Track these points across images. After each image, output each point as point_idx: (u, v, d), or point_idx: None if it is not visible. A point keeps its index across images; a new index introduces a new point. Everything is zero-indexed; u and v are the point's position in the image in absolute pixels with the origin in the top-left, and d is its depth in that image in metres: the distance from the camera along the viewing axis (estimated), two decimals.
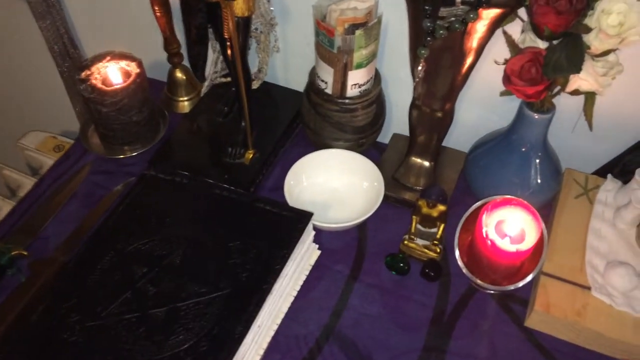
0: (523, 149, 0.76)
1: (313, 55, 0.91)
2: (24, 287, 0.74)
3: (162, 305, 0.66)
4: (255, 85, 0.94)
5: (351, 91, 0.80)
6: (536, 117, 0.72)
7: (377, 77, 0.82)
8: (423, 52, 0.66)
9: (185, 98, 0.99)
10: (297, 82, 0.97)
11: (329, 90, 0.80)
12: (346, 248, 0.80)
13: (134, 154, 0.90)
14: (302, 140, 0.93)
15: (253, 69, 0.93)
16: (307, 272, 0.75)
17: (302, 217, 0.73)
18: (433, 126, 0.78)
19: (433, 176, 0.83)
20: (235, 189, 0.77)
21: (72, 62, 1.13)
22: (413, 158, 0.84)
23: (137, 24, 1.03)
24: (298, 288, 0.74)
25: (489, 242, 0.66)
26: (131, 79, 0.84)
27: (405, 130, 0.90)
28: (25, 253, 0.78)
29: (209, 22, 0.80)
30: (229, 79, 0.94)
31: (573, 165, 0.84)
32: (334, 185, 0.84)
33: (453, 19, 0.63)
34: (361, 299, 0.74)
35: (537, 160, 0.76)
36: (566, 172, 0.81)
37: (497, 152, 0.79)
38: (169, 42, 0.93)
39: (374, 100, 0.82)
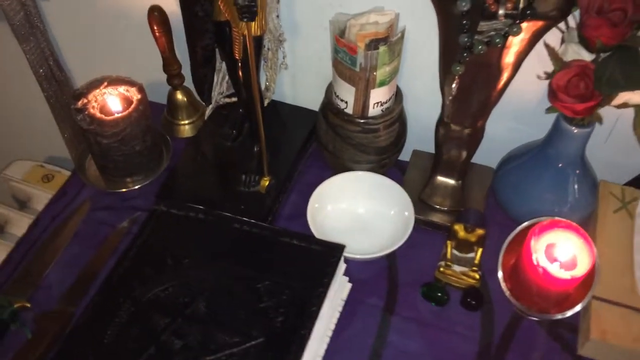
0: (560, 165, 0.71)
1: (325, 71, 0.86)
2: (31, 344, 0.67)
3: None
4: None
5: (373, 110, 0.74)
6: (575, 131, 0.68)
7: (398, 94, 0.77)
8: (458, 68, 0.61)
9: (187, 121, 0.93)
10: (307, 100, 0.91)
11: (349, 110, 0.75)
12: (376, 278, 0.74)
13: (137, 186, 0.83)
14: (316, 162, 0.88)
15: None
16: (340, 309, 0.70)
17: (334, 250, 0.67)
18: (462, 144, 0.74)
19: (461, 195, 0.79)
20: (256, 223, 0.71)
21: (59, 85, 1.05)
22: (439, 177, 0.79)
23: (129, 45, 0.97)
24: (333, 327, 0.68)
25: (540, 269, 0.62)
26: (133, 106, 0.78)
27: (424, 146, 0.85)
28: (29, 305, 0.71)
29: (216, 42, 0.74)
30: (234, 99, 0.88)
31: (604, 176, 0.80)
32: (359, 210, 0.78)
33: (493, 33, 0.58)
34: (400, 335, 0.69)
35: (575, 175, 0.72)
36: (601, 184, 0.77)
37: (530, 167, 0.74)
38: (169, 63, 0.86)
39: (397, 118, 0.77)
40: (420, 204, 0.79)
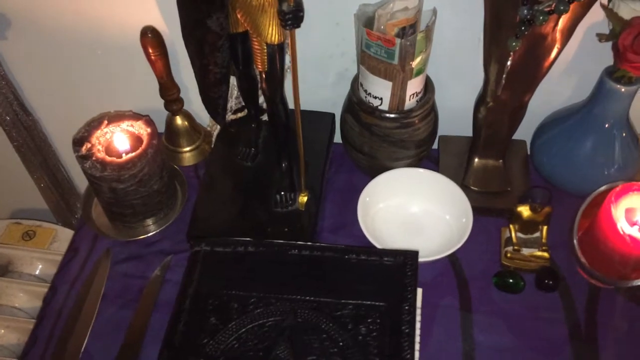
0: (606, 125, 0.70)
1: (337, 69, 0.80)
2: None
3: None
4: None
5: (409, 102, 0.70)
6: (623, 90, 0.66)
7: (428, 82, 0.73)
8: (514, 44, 0.58)
9: (189, 148, 0.85)
10: (316, 102, 0.85)
11: (384, 107, 0.70)
12: (442, 277, 0.70)
13: (159, 229, 0.75)
14: (342, 167, 0.82)
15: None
16: (419, 317, 0.66)
17: (408, 259, 0.63)
18: (504, 122, 0.71)
19: (505, 175, 0.76)
20: (316, 245, 0.65)
21: (28, 132, 0.94)
22: (478, 160, 0.76)
23: (103, 75, 0.87)
24: (419, 339, 0.64)
25: (627, 237, 0.60)
26: (145, 141, 0.70)
27: (448, 131, 0.82)
28: None
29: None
30: (239, 114, 0.81)
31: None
32: (412, 210, 0.74)
33: (553, 2, 0.54)
34: (486, 332, 0.66)
35: (621, 135, 0.70)
36: None
37: (573, 132, 0.72)
38: (167, 88, 0.78)
39: (432, 107, 0.73)
40: (465, 189, 0.75)
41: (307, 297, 0.61)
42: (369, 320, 0.59)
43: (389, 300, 0.60)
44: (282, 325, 0.59)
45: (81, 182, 1.09)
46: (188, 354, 0.58)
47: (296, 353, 0.57)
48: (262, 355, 0.58)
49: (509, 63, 0.60)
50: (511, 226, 0.69)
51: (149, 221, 0.75)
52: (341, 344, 0.58)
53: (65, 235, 1.04)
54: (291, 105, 0.83)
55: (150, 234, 0.75)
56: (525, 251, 0.68)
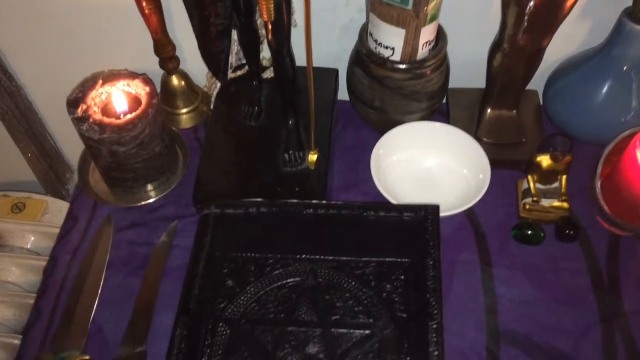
0: (624, 68, 0.67)
1: (340, 22, 0.77)
2: None
3: None
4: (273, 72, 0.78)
5: (422, 52, 0.67)
6: None
7: (440, 31, 0.70)
8: None
9: (185, 110, 0.81)
10: (318, 58, 0.81)
11: (396, 57, 0.67)
12: (459, 233, 0.69)
13: (161, 194, 0.71)
14: (348, 125, 0.79)
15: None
16: None
17: (429, 214, 0.61)
18: (520, 70, 0.68)
19: (519, 126, 0.74)
20: (332, 203, 0.63)
21: (12, 99, 0.89)
22: (492, 111, 0.74)
23: (96, 32, 0.82)
24: None
25: None
26: (145, 101, 0.66)
27: (456, 83, 0.79)
28: (88, 358, 0.59)
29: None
30: (240, 72, 0.77)
31: None
32: (426, 164, 0.72)
33: None
34: (508, 286, 0.64)
35: (638, 78, 0.68)
36: None
37: (588, 78, 0.70)
38: (162, 45, 0.73)
39: (444, 57, 0.69)
40: (479, 142, 0.73)
41: (327, 257, 0.59)
42: (392, 278, 0.57)
43: (412, 256, 0.58)
44: (303, 286, 0.57)
45: (70, 152, 1.05)
46: (206, 319, 0.56)
47: (320, 313, 0.55)
48: (284, 317, 0.55)
49: (531, 4, 0.57)
50: (529, 177, 0.67)
51: (151, 186, 0.72)
52: (366, 302, 0.56)
53: (57, 206, 1.00)
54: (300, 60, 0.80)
55: (153, 199, 0.71)
56: (545, 202, 0.67)
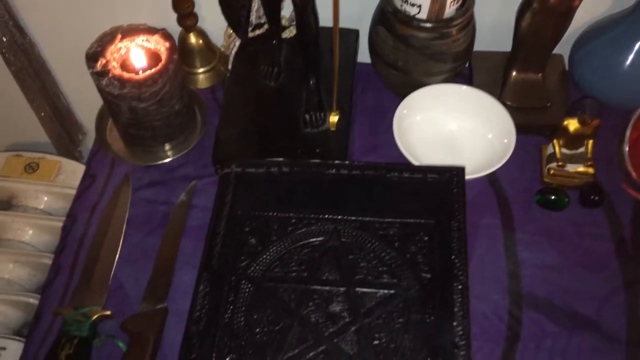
0: None
1: None
2: (131, 356, 0.56)
3: (343, 331, 0.52)
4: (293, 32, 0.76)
5: (449, 10, 0.65)
6: None
7: None
8: None
9: (202, 69, 0.79)
10: (340, 18, 0.79)
11: (422, 15, 0.65)
12: (482, 197, 0.68)
13: (179, 153, 0.70)
14: (367, 87, 0.78)
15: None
16: None
17: (454, 175, 0.60)
18: (549, 30, 0.66)
19: (545, 90, 0.72)
20: (355, 163, 0.62)
21: (26, 56, 0.88)
22: (517, 74, 0.72)
23: None
24: None
25: None
26: (165, 57, 0.64)
27: (480, 47, 0.77)
28: (109, 313, 0.59)
29: None
30: (259, 31, 0.76)
31: None
32: (450, 127, 0.70)
33: None
34: (530, 251, 0.64)
35: None
36: None
37: (617, 42, 0.68)
38: (181, 0, 0.72)
39: (471, 17, 0.68)
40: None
41: (350, 217, 0.58)
42: (416, 238, 0.56)
43: (436, 218, 0.57)
44: (326, 245, 0.57)
45: (83, 113, 1.03)
46: (229, 276, 0.55)
47: (343, 273, 0.55)
48: (306, 276, 0.55)
49: None
50: (555, 141, 0.66)
51: (169, 145, 0.71)
52: (389, 262, 0.55)
53: (71, 167, 0.99)
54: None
55: (171, 159, 0.70)
56: (569, 167, 0.66)
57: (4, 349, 0.80)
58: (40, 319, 0.61)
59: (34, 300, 0.86)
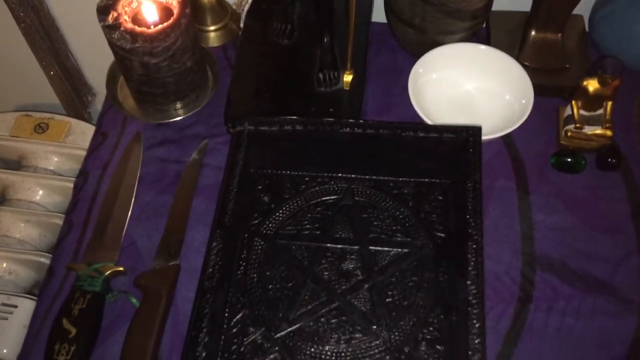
0: None
1: None
2: (144, 312, 0.56)
3: (356, 289, 0.52)
4: None
5: None
6: None
7: None
8: None
9: (214, 27, 0.78)
10: None
11: None
12: (497, 159, 0.67)
13: (191, 112, 0.70)
14: (382, 47, 0.76)
15: None
16: None
17: (471, 135, 0.59)
18: None
19: (564, 50, 0.71)
20: (369, 122, 0.61)
21: (35, 13, 0.86)
22: (536, 33, 0.70)
23: None
24: None
25: None
26: (178, 10, 0.63)
27: (497, 6, 0.75)
28: (122, 269, 0.59)
29: None
30: None
31: None
32: (467, 87, 0.69)
33: None
34: (545, 213, 0.63)
35: None
36: None
37: (637, 4, 0.66)
38: None
39: None
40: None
41: (364, 176, 0.58)
42: (431, 198, 0.56)
43: (451, 178, 0.57)
44: (340, 204, 0.56)
45: (92, 74, 1.02)
46: (241, 233, 0.55)
47: (356, 231, 0.54)
48: (319, 234, 0.55)
49: None
50: (573, 102, 0.65)
51: (180, 104, 0.70)
52: (403, 221, 0.55)
53: (80, 128, 0.98)
54: None
55: (182, 117, 0.70)
56: (587, 129, 0.65)
57: (16, 306, 0.80)
58: (52, 274, 0.61)
59: (45, 260, 0.86)
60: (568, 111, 0.66)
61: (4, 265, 0.86)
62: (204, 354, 0.49)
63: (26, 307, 0.80)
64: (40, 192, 0.95)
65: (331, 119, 0.61)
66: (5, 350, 0.76)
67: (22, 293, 0.85)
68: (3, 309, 0.78)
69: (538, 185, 0.65)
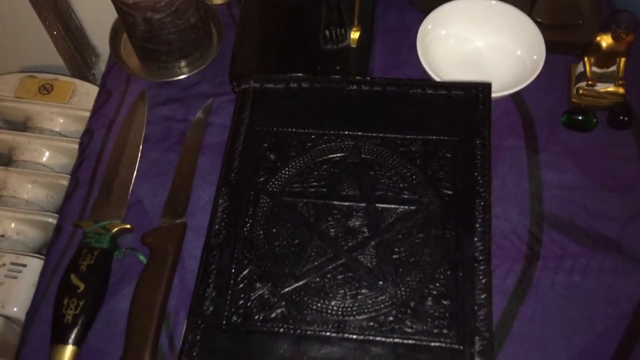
0: None
1: None
2: (152, 268, 0.56)
3: (362, 246, 0.52)
4: None
5: None
6: None
7: None
8: None
9: None
10: None
11: None
12: (506, 117, 0.66)
13: (195, 70, 0.69)
14: (390, 5, 0.74)
15: None
16: None
17: (480, 91, 0.58)
18: None
19: (577, 5, 0.69)
20: (377, 79, 0.60)
21: None
22: None
23: None
24: None
25: None
26: None
27: None
28: (129, 226, 0.59)
29: None
30: None
31: None
32: (477, 44, 0.68)
33: None
34: (554, 172, 0.62)
35: None
36: None
37: None
38: None
39: None
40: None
41: (371, 134, 0.57)
42: (438, 155, 0.55)
43: (459, 135, 0.56)
44: (346, 161, 0.56)
45: (95, 34, 1.01)
46: (247, 191, 0.55)
47: (363, 189, 0.54)
48: (326, 191, 0.54)
49: None
50: (586, 59, 0.63)
51: (184, 62, 0.69)
52: (410, 178, 0.54)
53: (85, 89, 0.98)
54: None
55: (186, 75, 0.69)
56: (599, 87, 0.63)
57: (25, 266, 0.81)
58: (60, 232, 0.62)
59: (52, 220, 0.87)
60: (580, 68, 0.64)
61: (12, 225, 0.86)
62: (211, 309, 0.49)
63: (35, 266, 0.81)
64: (47, 154, 0.95)
65: (337, 77, 0.60)
66: (15, 309, 0.77)
67: (30, 253, 0.85)
68: (12, 268, 0.79)
69: (548, 143, 0.64)
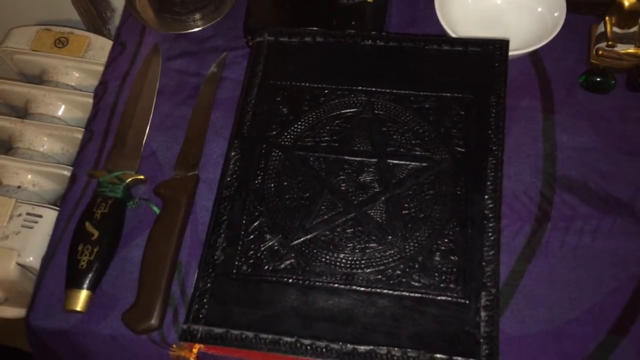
0: None
1: None
2: (165, 218, 0.57)
3: (373, 200, 0.52)
4: None
5: None
6: None
7: None
8: None
9: None
10: None
11: None
12: (523, 77, 0.65)
13: (209, 23, 0.68)
14: None
15: None
16: None
17: (497, 48, 0.57)
18: None
19: None
20: (393, 34, 0.59)
21: None
22: None
23: None
24: None
25: None
26: None
27: None
28: (143, 177, 0.60)
29: None
30: None
31: None
32: (495, 0, 0.66)
33: None
34: (569, 133, 0.61)
35: None
36: None
37: None
38: None
39: None
40: None
41: (384, 90, 0.57)
42: (452, 112, 0.55)
43: (474, 92, 0.55)
44: (359, 117, 0.56)
45: None
46: (259, 144, 0.55)
47: (375, 144, 0.54)
48: (337, 146, 0.54)
49: None
50: (607, 18, 0.62)
51: (199, 15, 0.69)
52: (423, 135, 0.54)
53: (100, 43, 0.97)
54: None
55: (201, 28, 0.68)
56: (619, 48, 0.62)
57: (41, 216, 0.82)
58: (75, 181, 0.63)
59: (67, 173, 0.88)
60: (601, 28, 0.63)
61: (28, 177, 0.88)
62: (222, 258, 0.50)
63: (50, 217, 0.82)
64: (62, 107, 0.96)
65: (352, 32, 0.60)
66: (30, 258, 0.79)
67: (46, 204, 0.87)
68: (28, 219, 0.80)
69: (564, 105, 0.63)
